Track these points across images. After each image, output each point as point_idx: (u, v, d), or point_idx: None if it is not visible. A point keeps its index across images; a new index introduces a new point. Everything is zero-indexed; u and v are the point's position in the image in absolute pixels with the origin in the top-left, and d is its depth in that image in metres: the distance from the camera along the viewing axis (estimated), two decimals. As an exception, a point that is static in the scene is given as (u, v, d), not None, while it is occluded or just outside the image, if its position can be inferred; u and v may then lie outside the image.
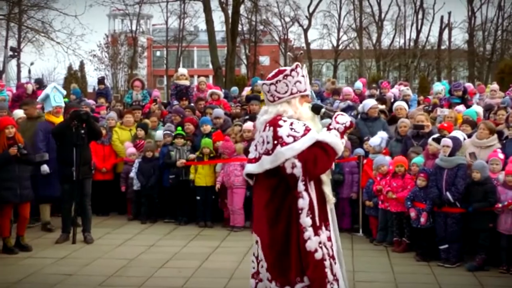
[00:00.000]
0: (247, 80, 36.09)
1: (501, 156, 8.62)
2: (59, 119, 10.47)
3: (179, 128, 11.45)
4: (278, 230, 4.93)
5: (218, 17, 45.94)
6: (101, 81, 17.25)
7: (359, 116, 11.86)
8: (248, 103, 13.82)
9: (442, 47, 55.96)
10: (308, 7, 52.55)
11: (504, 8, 53.73)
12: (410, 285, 7.66)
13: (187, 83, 15.12)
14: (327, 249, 4.93)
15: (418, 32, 55.13)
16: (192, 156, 11.08)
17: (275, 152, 4.86)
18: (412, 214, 8.80)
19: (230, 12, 35.44)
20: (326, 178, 5.03)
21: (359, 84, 16.49)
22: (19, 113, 11.52)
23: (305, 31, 53.74)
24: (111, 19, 67.78)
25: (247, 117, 12.75)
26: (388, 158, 9.89)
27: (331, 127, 5.00)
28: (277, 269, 4.94)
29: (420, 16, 54.94)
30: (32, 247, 9.23)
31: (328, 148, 4.88)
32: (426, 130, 9.91)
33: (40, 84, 16.70)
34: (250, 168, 5.13)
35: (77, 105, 11.51)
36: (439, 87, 14.43)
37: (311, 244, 4.82)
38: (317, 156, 4.82)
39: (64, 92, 11.71)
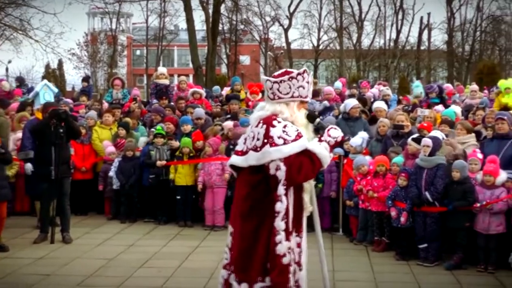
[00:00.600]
0: (227, 79, 36.04)
1: (480, 156, 8.69)
2: None
3: (159, 127, 11.40)
4: (249, 226, 4.95)
5: (199, 16, 45.96)
6: (85, 79, 17.14)
7: (340, 116, 11.88)
8: (228, 102, 13.80)
9: (422, 48, 56.36)
10: (289, 6, 52.64)
11: (482, 9, 54.31)
12: (390, 284, 7.70)
13: (166, 82, 15.06)
14: (294, 255, 4.96)
15: (398, 32, 55.48)
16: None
17: (263, 151, 4.86)
18: (393, 213, 8.84)
19: (210, 11, 35.39)
20: (307, 185, 5.09)
21: (338, 84, 16.53)
22: None
23: (286, 31, 53.82)
24: (90, 17, 67.32)
25: (228, 116, 12.74)
26: (368, 158, 9.93)
27: (322, 138, 5.03)
28: (239, 264, 4.98)
29: (400, 16, 55.29)
30: (9, 247, 9.13)
31: (315, 159, 4.90)
32: (405, 130, 9.96)
33: (21, 82, 16.61)
34: (235, 160, 5.14)
35: (55, 104, 11.41)
36: (419, 90, 14.49)
37: (281, 248, 4.83)
38: (302, 163, 4.83)
39: (56, 90, 11.67)
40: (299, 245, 5.01)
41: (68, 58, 46.70)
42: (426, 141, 8.62)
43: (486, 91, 17.36)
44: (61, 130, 9.43)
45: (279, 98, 5.06)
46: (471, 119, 11.44)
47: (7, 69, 43.82)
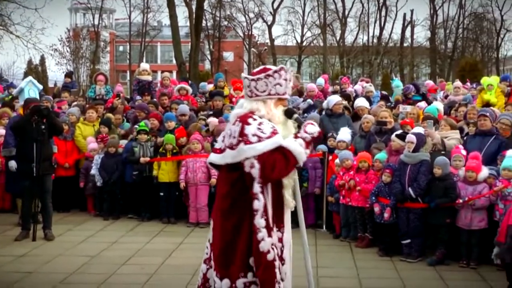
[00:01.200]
0: (211, 75, 35.99)
1: (464, 152, 8.73)
2: None
3: (142, 123, 11.35)
4: (230, 223, 4.95)
5: (182, 12, 45.92)
6: (68, 74, 17.05)
7: (323, 113, 11.89)
8: (212, 98, 13.77)
9: (405, 44, 56.75)
10: (272, 3, 52.83)
11: (465, 6, 54.79)
12: (373, 280, 7.71)
13: (149, 78, 15.01)
14: (277, 249, 4.95)
15: (381, 29, 55.83)
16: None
17: (238, 149, 4.85)
18: (376, 209, 8.87)
19: (194, 7, 35.30)
20: (287, 182, 5.02)
21: (321, 80, 16.55)
22: None
23: (269, 27, 53.95)
24: (72, 13, 66.94)
25: (211, 112, 12.72)
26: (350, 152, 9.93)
27: (298, 135, 4.99)
28: (220, 261, 4.97)
29: (383, 13, 55.64)
30: (-10, 245, 9.07)
31: (290, 156, 4.85)
32: (389, 126, 9.98)
33: (0, 78, 16.45)
34: (213, 157, 5.14)
35: (37, 100, 11.32)
36: (399, 90, 14.55)
37: (264, 245, 4.82)
38: (276, 161, 4.79)
39: (41, 87, 11.61)
40: (280, 240, 5.00)
41: (50, 54, 46.52)
42: (411, 137, 8.64)
43: (468, 83, 17.48)
44: (43, 127, 9.34)
45: (256, 95, 5.02)
46: (453, 116, 11.50)
47: (-13, 65, 43.37)
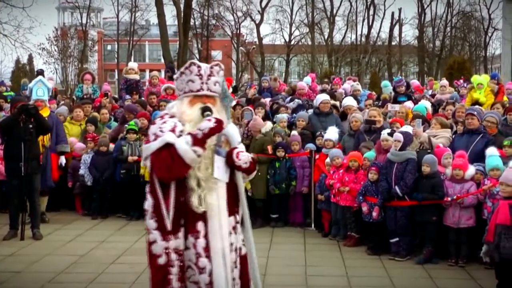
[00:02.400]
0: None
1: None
2: (42, 113, 10.26)
3: (132, 123, 11.33)
4: None
5: (170, 11, 45.76)
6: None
7: (310, 111, 11.92)
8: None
9: (393, 43, 56.91)
10: (261, 2, 52.86)
11: (452, 5, 54.96)
12: (362, 278, 7.73)
13: (137, 77, 15.00)
14: (180, 256, 4.65)
15: (370, 28, 55.93)
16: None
17: (142, 149, 4.78)
18: (364, 208, 8.89)
19: (182, 6, 35.20)
20: (193, 184, 4.62)
21: (307, 79, 16.57)
22: None
23: (258, 26, 53.96)
24: (60, 12, 66.66)
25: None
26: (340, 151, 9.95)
27: (192, 132, 4.62)
28: None
29: (371, 12, 55.76)
30: (-22, 244, 9.03)
31: (174, 154, 4.52)
32: (377, 125, 10.00)
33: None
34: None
35: (24, 99, 11.28)
36: (388, 90, 14.59)
37: (155, 248, 4.63)
38: (161, 160, 4.54)
39: (50, 86, 11.59)
40: (194, 247, 4.65)
41: (38, 53, 46.21)
42: (398, 136, 8.67)
43: (462, 80, 17.52)
44: (31, 126, 9.32)
45: (179, 95, 4.91)
46: (441, 114, 11.53)
47: (-26, 64, 43.21)
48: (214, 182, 4.70)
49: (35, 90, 10.66)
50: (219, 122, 4.64)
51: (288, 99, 13.52)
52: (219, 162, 4.73)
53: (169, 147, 4.53)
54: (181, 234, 4.66)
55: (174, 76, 4.91)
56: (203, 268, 4.65)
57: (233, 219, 4.86)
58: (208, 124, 4.60)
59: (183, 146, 4.52)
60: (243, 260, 4.95)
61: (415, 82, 18.28)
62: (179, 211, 4.64)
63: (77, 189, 11.62)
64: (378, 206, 8.75)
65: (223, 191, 4.78)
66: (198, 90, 4.79)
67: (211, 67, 4.85)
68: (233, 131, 4.83)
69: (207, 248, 4.67)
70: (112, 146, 11.44)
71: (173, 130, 4.61)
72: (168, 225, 4.62)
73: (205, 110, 4.71)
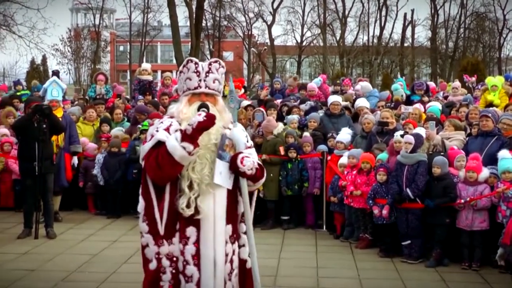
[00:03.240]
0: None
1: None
2: (56, 113, 10.36)
3: (145, 123, 11.36)
4: None
5: (182, 12, 45.90)
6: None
7: (321, 112, 11.92)
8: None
9: (405, 44, 56.67)
10: (272, 3, 52.85)
11: (466, 6, 54.62)
12: (374, 281, 7.72)
13: (149, 78, 15.04)
14: (173, 262, 4.40)
15: (382, 29, 55.77)
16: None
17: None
18: (376, 211, 8.86)
19: (194, 7, 35.26)
20: (184, 186, 4.36)
21: (318, 80, 16.57)
22: None
23: (269, 27, 53.94)
24: (73, 13, 66.98)
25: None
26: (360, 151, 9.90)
27: (182, 128, 4.38)
28: None
29: (383, 13, 55.60)
30: (-7, 242, 9.11)
31: (164, 152, 4.30)
32: (390, 127, 9.97)
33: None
34: None
35: (38, 100, 11.35)
36: (399, 93, 14.54)
37: (147, 252, 4.44)
38: (152, 159, 4.36)
39: (64, 86, 11.69)
40: (182, 254, 4.40)
41: (52, 53, 46.61)
42: (409, 138, 8.63)
43: (474, 78, 17.43)
44: (44, 126, 9.39)
45: (179, 96, 4.72)
46: (454, 116, 11.47)
47: (-9, 65, 43.56)
48: (210, 186, 4.39)
49: (50, 90, 10.75)
50: (209, 117, 4.34)
51: (298, 101, 13.50)
52: (222, 167, 4.42)
53: (160, 146, 4.35)
54: (176, 239, 4.40)
55: (169, 74, 4.75)
56: (190, 276, 4.38)
57: (231, 228, 4.55)
58: (197, 118, 4.32)
59: (172, 142, 4.29)
60: (248, 274, 4.64)
61: (431, 84, 18.23)
62: (174, 215, 4.38)
63: (89, 189, 11.66)
64: (388, 205, 8.73)
65: (223, 197, 4.48)
66: (195, 88, 4.56)
67: (210, 64, 4.63)
68: (239, 134, 4.53)
69: (196, 256, 4.39)
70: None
71: (167, 129, 4.41)
72: (161, 229, 4.39)
73: (201, 107, 4.47)
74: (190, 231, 4.39)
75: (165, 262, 4.40)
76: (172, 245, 4.40)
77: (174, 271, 4.40)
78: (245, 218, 4.60)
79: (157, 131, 4.44)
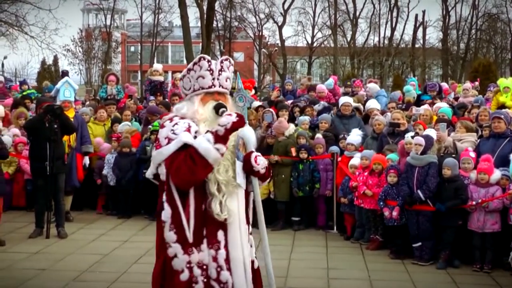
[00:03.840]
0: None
1: (472, 154, 8.68)
2: (68, 113, 10.47)
3: (156, 123, 11.37)
4: (156, 241, 4.41)
5: (193, 13, 45.81)
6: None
7: (332, 113, 11.90)
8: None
9: (416, 46, 56.43)
10: (283, 4, 52.69)
11: (478, 7, 54.33)
12: (384, 282, 7.71)
13: (161, 78, 15.07)
14: (204, 270, 4.20)
15: (393, 30, 55.54)
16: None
17: (152, 156, 4.37)
18: (386, 213, 8.84)
19: (205, 7, 35.33)
20: (214, 189, 4.21)
21: (330, 81, 16.56)
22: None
23: (280, 28, 53.80)
24: (85, 14, 67.24)
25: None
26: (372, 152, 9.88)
27: (212, 130, 4.20)
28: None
29: (394, 14, 55.36)
30: (5, 241, 9.15)
31: (195, 155, 4.09)
32: (402, 128, 9.94)
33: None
34: (148, 172, 4.53)
35: (50, 100, 11.41)
36: (411, 94, 14.49)
37: (176, 263, 4.17)
38: (180, 163, 4.09)
39: (76, 87, 11.77)
40: (215, 259, 4.21)
41: (63, 54, 46.85)
42: (419, 140, 8.59)
43: (477, 82, 17.39)
44: (55, 126, 9.43)
45: (186, 95, 4.48)
46: (466, 117, 11.43)
47: (2, 65, 43.81)
48: (235, 186, 4.29)
49: (62, 91, 10.83)
50: (240, 117, 4.24)
51: (308, 102, 13.48)
52: (239, 167, 4.34)
53: (187, 149, 4.12)
54: (204, 246, 4.20)
55: (179, 75, 4.53)
56: (225, 282, 4.21)
57: (247, 229, 4.46)
58: (230, 118, 4.18)
59: (205, 144, 4.09)
60: (257, 274, 4.53)
61: (444, 85, 18.18)
62: (201, 220, 4.20)
63: (102, 189, 11.73)
64: (398, 206, 8.71)
65: (242, 198, 4.40)
66: (209, 87, 4.38)
67: (221, 62, 4.48)
68: (250, 133, 4.40)
69: (227, 260, 4.23)
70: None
71: (188, 131, 4.19)
72: (189, 236, 4.17)
73: (220, 107, 4.31)
74: (220, 235, 4.25)
75: (197, 271, 4.18)
76: (202, 252, 4.19)
77: (205, 279, 4.20)
78: (258, 218, 4.52)
79: (174, 133, 4.18)
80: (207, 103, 4.35)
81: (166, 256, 4.22)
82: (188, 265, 4.16)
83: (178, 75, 15.83)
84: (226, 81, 4.49)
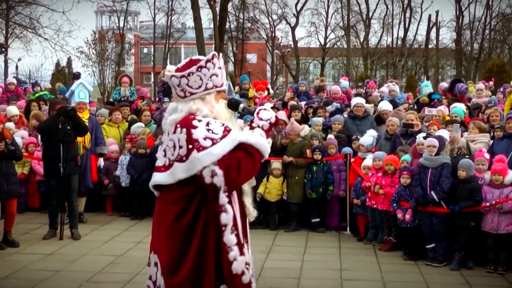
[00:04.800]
0: (234, 77, 36.06)
1: (487, 156, 8.63)
2: (82, 115, 10.54)
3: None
4: (191, 248, 4.11)
5: (206, 15, 46.02)
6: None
7: (345, 114, 11.88)
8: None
9: (430, 46, 56.12)
10: (296, 4, 52.57)
11: (492, 7, 53.98)
12: (398, 284, 7.69)
13: (175, 80, 15.07)
14: (251, 270, 4.20)
15: (406, 30, 55.28)
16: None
17: (191, 159, 4.06)
18: (399, 215, 8.81)
19: (218, 9, 35.38)
20: (247, 187, 4.27)
21: (345, 83, 16.53)
22: (12, 110, 11.63)
23: (293, 29, 53.72)
24: (98, 16, 67.48)
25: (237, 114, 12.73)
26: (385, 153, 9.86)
27: (253, 125, 4.22)
28: None
29: (407, 14, 55.08)
30: (20, 243, 9.20)
31: (253, 151, 4.11)
32: (415, 128, 9.90)
33: (18, 81, 16.83)
34: (160, 178, 4.29)
35: (63, 102, 11.48)
36: (428, 89, 14.44)
37: (237, 266, 4.07)
38: (240, 161, 4.05)
39: (91, 89, 11.84)
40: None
41: (77, 56, 47.01)
42: (432, 141, 8.56)
43: (491, 82, 17.27)
44: (69, 127, 9.48)
45: (191, 94, 4.25)
46: (479, 118, 11.37)
47: (17, 67, 44.09)
48: (250, 183, 4.32)
49: (77, 92, 10.90)
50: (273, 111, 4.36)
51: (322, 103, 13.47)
52: None
53: (240, 147, 4.10)
54: (246, 246, 4.21)
55: (181, 73, 4.30)
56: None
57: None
58: (270, 113, 4.27)
59: (260, 140, 4.15)
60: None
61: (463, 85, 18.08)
62: (244, 221, 4.22)
63: (110, 190, 11.76)
64: (411, 209, 8.68)
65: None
66: (221, 85, 4.33)
67: (219, 59, 4.39)
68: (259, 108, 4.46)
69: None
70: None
71: (228, 130, 4.12)
72: (241, 236, 4.15)
73: (237, 104, 4.41)
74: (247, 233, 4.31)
75: (250, 272, 4.18)
76: (247, 253, 4.19)
77: (253, 279, 4.22)
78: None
79: (214, 133, 4.06)
80: (219, 102, 4.32)
81: (225, 260, 4.07)
82: (246, 266, 4.12)
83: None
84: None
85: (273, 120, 4.24)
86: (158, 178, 4.30)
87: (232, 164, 4.03)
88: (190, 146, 4.06)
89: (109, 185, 11.69)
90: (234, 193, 4.15)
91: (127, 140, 11.74)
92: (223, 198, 4.07)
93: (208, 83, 4.26)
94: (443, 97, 13.81)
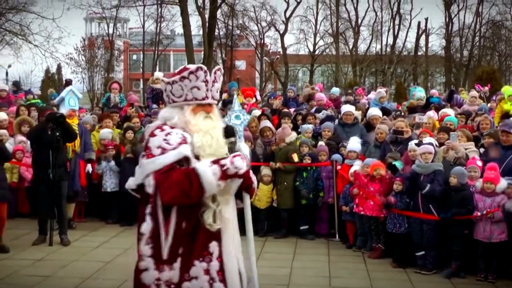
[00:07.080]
0: (224, 84, 36.08)
1: (479, 163, 8.63)
2: (72, 121, 10.53)
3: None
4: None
5: (195, 21, 46.02)
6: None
7: (336, 122, 11.92)
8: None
9: (419, 53, 56.35)
10: (285, 12, 52.72)
11: (482, 14, 54.24)
12: (387, 291, 7.70)
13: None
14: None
15: (395, 38, 55.47)
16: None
17: (140, 165, 4.10)
18: (393, 199, 8.85)
19: (207, 16, 35.44)
20: (208, 200, 4.04)
21: (336, 89, 16.59)
22: (0, 115, 11.62)
23: (282, 36, 53.83)
24: (88, 23, 67.38)
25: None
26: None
27: (221, 162, 4.00)
28: None
29: (397, 22, 55.30)
30: (9, 248, 9.19)
31: (194, 181, 3.90)
32: (405, 136, 9.95)
33: (17, 86, 16.69)
34: (129, 182, 4.30)
35: (52, 108, 11.46)
36: (422, 93, 14.51)
37: (145, 277, 4.03)
38: (174, 183, 3.89)
39: (80, 96, 11.81)
40: (207, 272, 4.02)
41: (66, 62, 46.95)
42: (429, 148, 8.60)
43: (487, 87, 17.34)
44: (58, 134, 9.48)
45: (173, 101, 4.25)
46: (470, 125, 11.42)
47: (7, 74, 43.94)
48: (230, 195, 4.20)
49: (67, 99, 10.89)
50: (248, 170, 4.15)
51: (314, 109, 13.52)
52: None
53: (187, 169, 3.95)
54: (177, 265, 4.01)
55: (168, 80, 4.26)
56: None
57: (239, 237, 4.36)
58: (243, 165, 4.03)
59: (209, 177, 3.91)
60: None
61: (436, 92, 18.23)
62: (179, 238, 4.02)
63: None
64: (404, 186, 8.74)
65: (234, 205, 4.31)
66: (203, 99, 4.23)
67: (215, 73, 4.32)
68: (246, 150, 4.31)
69: (221, 271, 4.08)
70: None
71: (184, 142, 4.04)
72: (165, 253, 4.01)
73: (230, 134, 4.29)
74: (213, 246, 4.08)
75: None
76: (172, 271, 4.01)
77: None
78: (246, 226, 4.42)
79: (168, 143, 4.00)
80: (198, 114, 4.21)
81: (137, 267, 4.09)
82: (156, 282, 4.01)
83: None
84: (217, 92, 4.36)
85: (240, 172, 4.03)
86: (128, 182, 4.30)
87: (165, 181, 3.91)
88: (143, 153, 4.09)
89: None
90: (173, 209, 4.00)
91: (109, 147, 11.61)
92: (147, 208, 4.04)
93: (188, 94, 4.21)
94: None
